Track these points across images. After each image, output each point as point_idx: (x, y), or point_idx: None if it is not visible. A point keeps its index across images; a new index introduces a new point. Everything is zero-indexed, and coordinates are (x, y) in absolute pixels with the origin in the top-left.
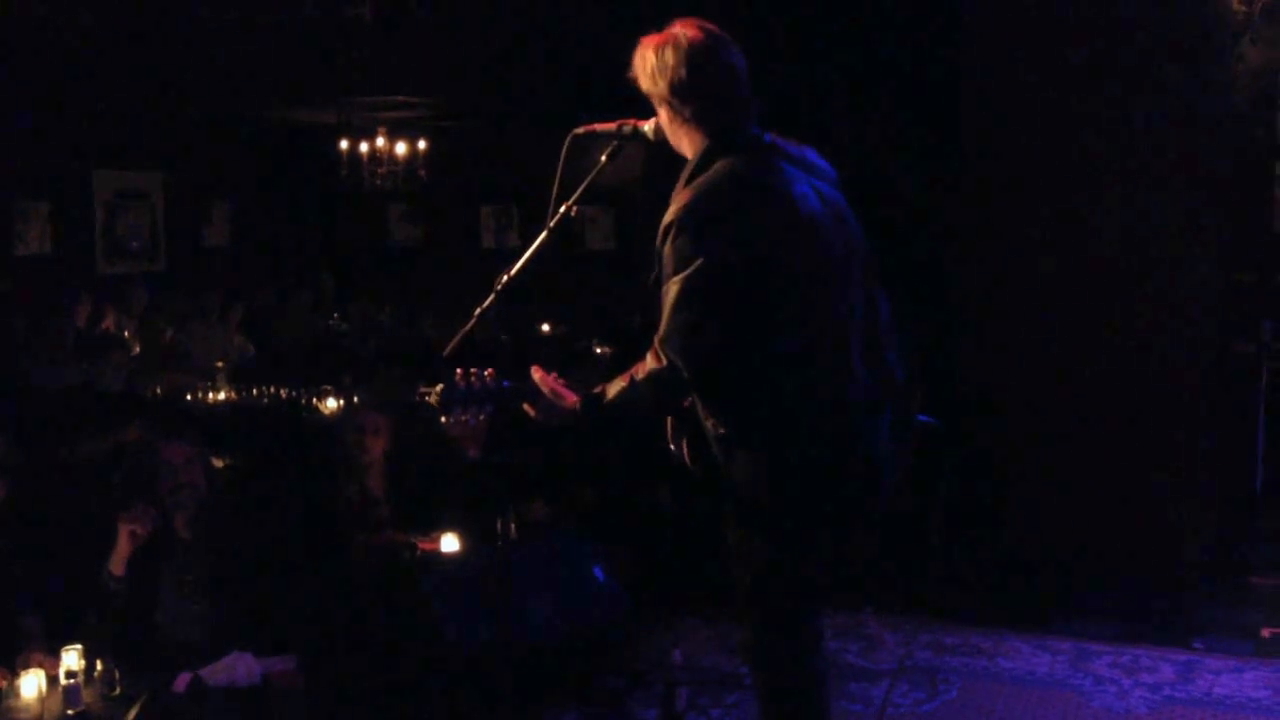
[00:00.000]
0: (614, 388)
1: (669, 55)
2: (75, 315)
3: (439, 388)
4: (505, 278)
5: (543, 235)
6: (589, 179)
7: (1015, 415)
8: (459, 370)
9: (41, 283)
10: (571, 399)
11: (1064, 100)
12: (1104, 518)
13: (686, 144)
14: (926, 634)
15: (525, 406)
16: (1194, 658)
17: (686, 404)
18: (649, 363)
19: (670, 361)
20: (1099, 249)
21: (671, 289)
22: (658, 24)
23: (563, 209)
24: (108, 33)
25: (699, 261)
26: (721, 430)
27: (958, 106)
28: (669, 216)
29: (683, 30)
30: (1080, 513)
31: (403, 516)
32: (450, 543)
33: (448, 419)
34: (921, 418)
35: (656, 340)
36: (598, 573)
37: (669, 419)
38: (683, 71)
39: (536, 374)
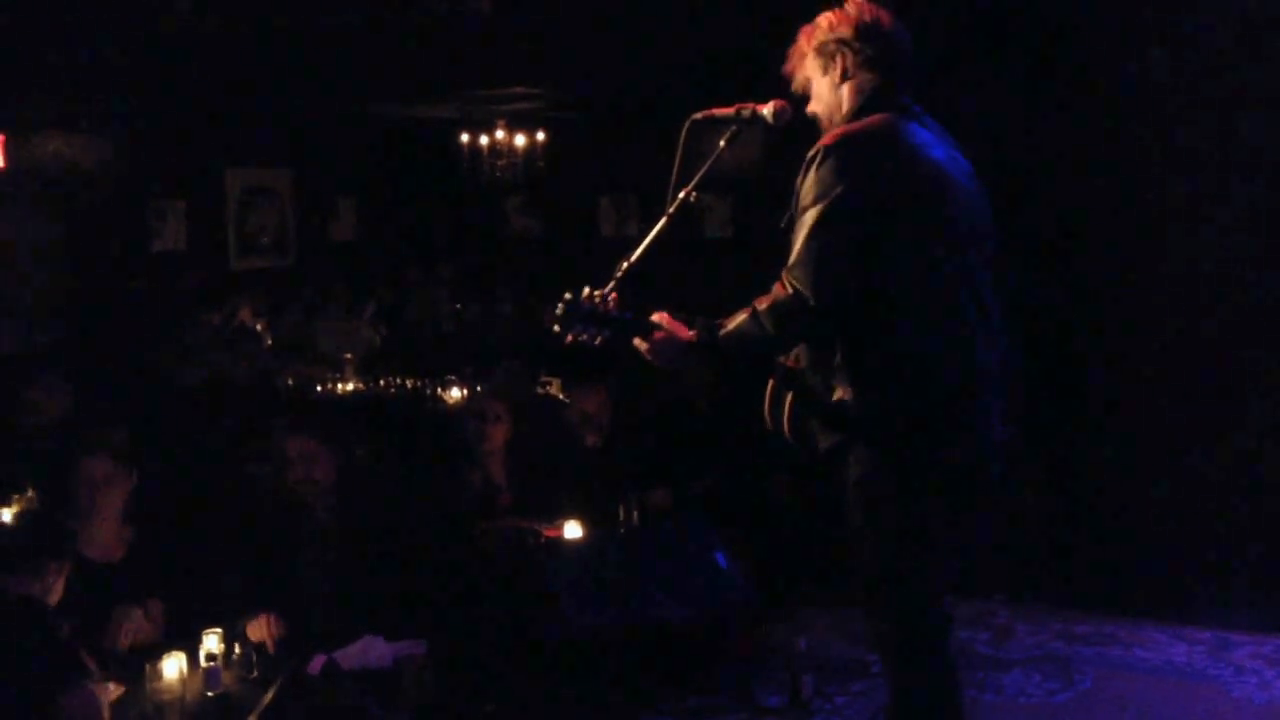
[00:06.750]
0: (734, 320)
1: (851, 6)
2: (211, 310)
3: (566, 296)
4: (625, 264)
5: (662, 221)
6: (708, 164)
7: (1150, 398)
8: (587, 289)
9: (177, 278)
10: (688, 332)
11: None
12: (1244, 503)
13: (848, 96)
14: (1059, 623)
15: (636, 341)
16: None
17: (791, 363)
18: (774, 292)
19: (796, 290)
20: (1230, 241)
21: (807, 218)
22: (776, 10)
23: (681, 194)
24: (237, 37)
25: (840, 189)
26: (835, 384)
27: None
28: (816, 147)
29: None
30: (1218, 498)
31: (525, 504)
32: (573, 529)
33: (566, 336)
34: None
35: (784, 270)
36: (720, 559)
37: (769, 389)
38: (867, 17)
39: (659, 315)
